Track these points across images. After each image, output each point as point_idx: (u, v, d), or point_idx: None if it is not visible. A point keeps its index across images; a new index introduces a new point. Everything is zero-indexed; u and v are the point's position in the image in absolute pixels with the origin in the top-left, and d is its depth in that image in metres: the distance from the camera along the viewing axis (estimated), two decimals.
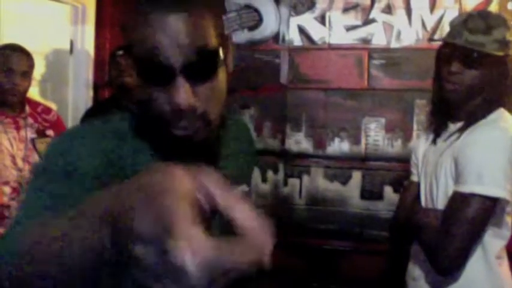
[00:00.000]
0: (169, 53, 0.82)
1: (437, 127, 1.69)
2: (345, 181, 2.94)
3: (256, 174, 3.05)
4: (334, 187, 2.96)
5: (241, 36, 3.11)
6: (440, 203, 1.57)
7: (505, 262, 1.61)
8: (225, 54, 0.90)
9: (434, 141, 1.70)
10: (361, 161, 2.92)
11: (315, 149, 2.99)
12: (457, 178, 1.51)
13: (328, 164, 2.97)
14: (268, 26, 3.08)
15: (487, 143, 1.49)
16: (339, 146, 2.96)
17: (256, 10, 3.09)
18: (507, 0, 2.75)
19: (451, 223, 1.47)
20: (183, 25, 0.82)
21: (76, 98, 3.17)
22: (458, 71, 1.56)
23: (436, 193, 1.61)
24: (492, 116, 1.56)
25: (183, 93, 0.82)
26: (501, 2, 2.75)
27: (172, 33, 0.82)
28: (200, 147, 0.91)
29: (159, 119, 0.88)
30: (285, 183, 3.02)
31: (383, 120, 2.91)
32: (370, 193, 2.89)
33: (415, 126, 2.83)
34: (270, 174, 3.05)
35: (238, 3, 3.10)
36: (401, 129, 2.87)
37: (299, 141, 3.02)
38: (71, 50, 3.17)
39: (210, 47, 0.85)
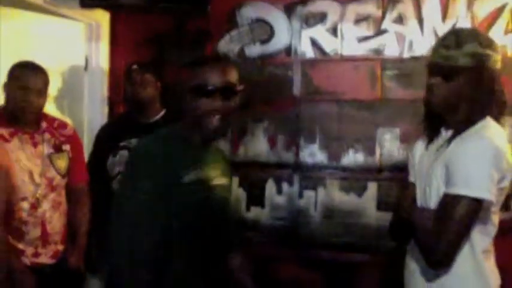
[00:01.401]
0: (214, 80, 1.61)
1: (429, 133, 1.86)
2: (360, 193, 2.93)
3: (271, 186, 3.05)
4: (350, 199, 2.94)
5: (253, 50, 3.13)
6: (433, 204, 1.73)
7: (492, 256, 1.75)
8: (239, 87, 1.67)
9: (427, 147, 1.86)
10: (376, 172, 2.91)
11: (330, 160, 2.99)
12: (448, 182, 1.67)
13: (343, 176, 2.96)
14: (280, 39, 3.10)
15: (473, 150, 1.64)
16: (354, 157, 2.95)
17: (267, 23, 3.12)
18: None
19: (442, 222, 1.63)
20: (223, 69, 1.66)
21: (91, 114, 3.20)
22: (436, 84, 1.73)
23: (429, 195, 1.76)
24: (479, 125, 1.71)
25: (218, 102, 1.61)
26: None
27: (218, 73, 1.64)
28: (220, 134, 1.72)
29: (203, 116, 1.62)
30: (300, 196, 3.01)
31: (397, 130, 2.91)
32: (386, 204, 2.87)
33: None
34: (285, 186, 3.04)
35: (249, 17, 3.13)
36: (415, 139, 2.84)
37: (313, 154, 3.02)
38: (86, 67, 3.21)
39: (233, 82, 1.66)
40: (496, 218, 1.73)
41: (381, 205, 2.89)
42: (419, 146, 1.93)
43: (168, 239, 1.56)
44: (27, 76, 2.28)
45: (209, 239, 1.68)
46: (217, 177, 1.74)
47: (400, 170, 2.85)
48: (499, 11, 2.77)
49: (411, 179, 1.94)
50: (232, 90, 1.63)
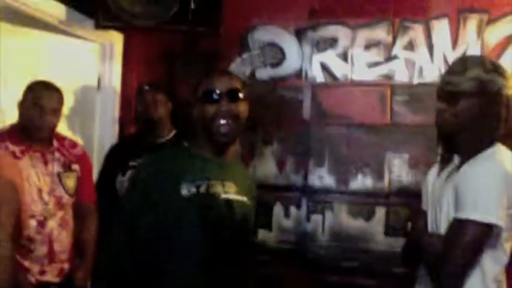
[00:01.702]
0: (219, 85, 1.69)
1: (442, 159, 1.87)
2: (368, 217, 2.92)
3: (278, 209, 3.05)
4: (358, 223, 2.93)
5: (264, 73, 3.16)
6: (443, 229, 1.72)
7: (504, 286, 1.73)
8: (246, 95, 1.73)
9: (439, 173, 1.86)
10: (384, 197, 2.90)
11: (338, 184, 2.99)
12: (456, 206, 1.66)
13: (351, 200, 2.95)
14: (291, 63, 3.12)
15: (483, 174, 1.64)
16: (362, 181, 2.95)
17: (279, 47, 3.15)
18: None
19: (450, 246, 1.63)
20: (223, 75, 1.76)
21: (102, 133, 3.23)
22: (442, 109, 1.75)
23: (439, 220, 1.76)
24: (489, 151, 1.70)
25: (226, 104, 1.66)
26: None
27: (222, 79, 1.72)
28: (229, 142, 1.70)
29: (209, 121, 1.65)
30: (308, 219, 3.01)
31: (406, 156, 2.90)
32: (394, 229, 2.85)
33: (437, 161, 2.79)
34: (292, 209, 3.04)
35: (261, 40, 3.16)
36: (424, 165, 2.84)
37: (322, 177, 3.01)
38: (99, 86, 3.24)
39: (236, 86, 1.71)
40: (508, 246, 1.70)
41: (389, 230, 2.87)
42: (433, 173, 1.93)
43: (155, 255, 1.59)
44: (44, 95, 2.31)
45: (220, 255, 1.65)
46: (231, 193, 1.71)
47: (408, 195, 2.85)
48: (509, 39, 2.79)
49: (424, 207, 1.93)
50: (237, 94, 1.70)
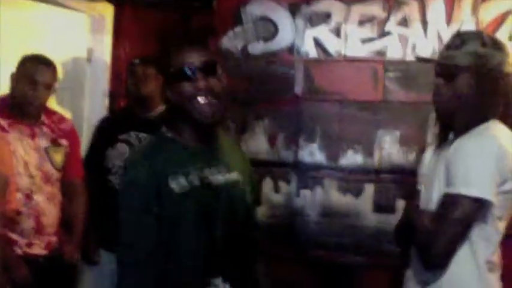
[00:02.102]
0: (193, 60, 1.51)
1: (439, 137, 1.83)
2: (357, 194, 2.93)
3: (268, 184, 3.05)
4: (347, 200, 2.94)
5: (256, 47, 3.12)
6: (435, 206, 1.68)
7: (497, 270, 1.69)
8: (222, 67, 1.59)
9: (435, 152, 1.83)
10: (374, 173, 2.91)
11: (329, 161, 2.98)
12: (447, 181, 1.64)
13: (341, 176, 2.95)
14: (284, 38, 3.09)
15: (476, 149, 1.61)
16: (353, 158, 2.95)
17: (272, 22, 3.11)
18: None
19: (440, 222, 1.60)
20: (194, 48, 1.55)
21: (92, 106, 3.20)
22: (440, 84, 1.71)
23: (431, 197, 1.72)
24: (482, 126, 1.67)
25: (203, 80, 1.49)
26: None
27: (193, 53, 1.53)
28: (214, 118, 1.52)
29: (189, 100, 1.48)
30: (298, 195, 3.01)
31: (397, 133, 2.90)
32: (383, 206, 2.86)
33: (429, 140, 2.80)
34: (282, 185, 3.04)
35: (254, 14, 3.12)
36: (415, 142, 2.84)
37: (313, 153, 3.01)
38: (89, 59, 3.20)
39: (210, 58, 1.55)
40: (501, 224, 1.67)
41: (378, 207, 2.89)
42: (429, 153, 1.91)
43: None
44: (37, 70, 2.29)
45: (223, 243, 1.55)
46: (224, 177, 1.58)
47: (398, 172, 2.86)
48: (504, 16, 2.76)
49: (419, 186, 1.90)
50: (214, 67, 1.53)
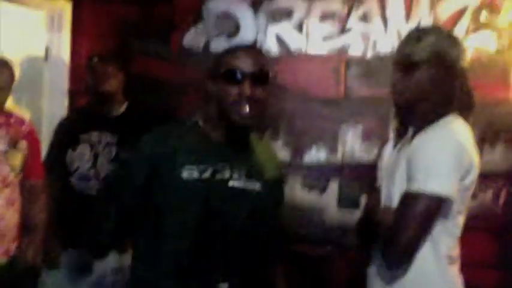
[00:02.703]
0: (245, 65, 1.53)
1: (398, 132, 1.86)
2: (322, 190, 2.95)
3: None
4: (311, 196, 2.96)
5: (219, 44, 3.10)
6: (396, 202, 1.68)
7: (457, 264, 1.72)
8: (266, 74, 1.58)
9: (395, 146, 1.85)
10: (338, 169, 2.93)
11: (293, 157, 3.00)
12: (408, 178, 1.63)
13: (306, 173, 2.97)
14: (246, 34, 3.08)
15: (436, 145, 1.62)
16: (316, 154, 2.97)
17: (233, 18, 3.09)
18: (480, 11, 2.79)
19: (401, 219, 1.60)
20: (250, 54, 1.58)
21: (51, 106, 3.13)
22: (398, 79, 1.71)
23: (392, 193, 1.72)
24: (442, 121, 1.68)
25: (250, 88, 1.51)
26: (474, 12, 2.79)
27: (248, 57, 1.56)
28: (248, 128, 1.59)
29: (230, 104, 1.52)
30: None
31: (360, 128, 2.93)
32: (348, 202, 2.90)
33: (391, 135, 2.84)
34: None
35: (216, 10, 3.10)
36: (378, 137, 2.88)
37: (277, 150, 3.01)
38: (46, 57, 3.12)
39: (263, 68, 1.56)
40: (460, 219, 1.69)
41: (342, 202, 2.92)
42: (388, 148, 1.92)
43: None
44: None
45: (217, 245, 1.55)
46: (241, 180, 1.58)
47: (361, 168, 2.89)
48: (461, 12, 2.81)
49: (379, 182, 1.91)
50: (264, 77, 1.56)
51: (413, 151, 1.65)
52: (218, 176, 1.53)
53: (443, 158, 1.59)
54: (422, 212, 1.57)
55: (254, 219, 1.60)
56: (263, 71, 1.56)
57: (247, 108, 1.52)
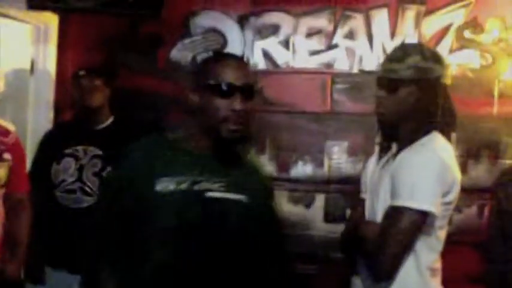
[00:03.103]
0: (235, 78, 1.46)
1: (381, 148, 1.89)
2: (308, 204, 2.95)
3: None
4: (298, 210, 2.96)
5: None
6: (380, 217, 1.72)
7: (439, 275, 1.76)
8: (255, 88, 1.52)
9: (378, 162, 1.87)
10: (324, 184, 2.94)
11: (279, 172, 3.00)
12: (392, 194, 1.67)
13: (292, 187, 2.98)
14: (233, 50, 3.08)
15: (418, 163, 1.64)
16: (303, 169, 2.98)
17: (221, 33, 3.11)
18: (464, 29, 2.84)
19: (385, 233, 1.63)
20: (240, 67, 1.52)
21: (36, 119, 3.09)
22: (382, 97, 1.74)
23: (376, 208, 1.76)
24: (425, 139, 1.72)
25: (240, 102, 1.45)
26: (458, 30, 2.84)
27: (237, 70, 1.49)
28: (236, 142, 1.50)
29: (218, 119, 1.45)
30: None
31: (346, 143, 2.95)
32: (334, 216, 2.91)
33: (376, 150, 2.86)
34: None
35: (203, 26, 3.11)
36: (363, 152, 2.90)
37: (263, 164, 3.02)
38: (32, 70, 3.10)
39: (252, 82, 1.50)
40: (442, 233, 1.73)
41: (328, 217, 2.92)
42: (372, 162, 1.95)
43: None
44: None
45: (198, 260, 1.45)
46: (222, 191, 1.48)
47: (347, 182, 2.90)
48: (445, 30, 2.87)
49: (362, 195, 1.94)
50: (252, 90, 1.49)
51: (398, 168, 1.69)
52: (196, 188, 1.45)
53: (427, 174, 1.62)
54: (406, 226, 1.61)
55: (241, 232, 1.51)
56: (251, 84, 1.50)
57: (237, 124, 1.45)
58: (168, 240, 1.44)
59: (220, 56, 1.66)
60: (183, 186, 1.44)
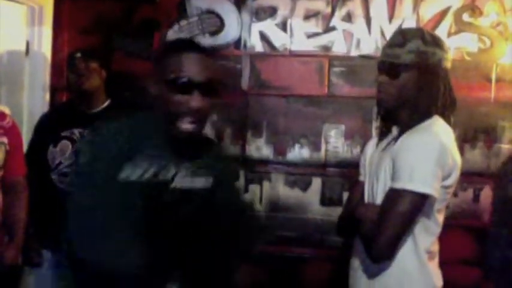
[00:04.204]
0: (195, 74, 1.38)
1: (380, 132, 1.90)
2: (305, 188, 2.96)
3: None
4: (295, 194, 2.97)
5: (202, 41, 3.08)
6: (379, 199, 1.74)
7: (436, 257, 1.78)
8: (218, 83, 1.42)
9: (377, 145, 1.89)
10: (321, 167, 2.95)
11: (276, 155, 3.00)
12: (393, 177, 1.69)
13: (289, 171, 2.98)
14: (230, 32, 3.07)
15: (419, 146, 1.66)
16: (299, 152, 2.98)
17: (217, 15, 3.08)
18: (462, 12, 2.82)
19: (385, 215, 1.65)
20: (202, 61, 1.41)
21: (32, 101, 3.07)
22: (383, 82, 1.76)
23: (376, 190, 1.78)
24: (426, 123, 1.73)
25: (199, 100, 1.38)
26: (456, 13, 2.83)
27: (198, 65, 1.39)
28: (193, 139, 1.42)
29: (176, 115, 1.37)
30: (246, 190, 3.01)
31: (343, 127, 2.95)
32: (330, 199, 2.92)
33: (373, 133, 2.87)
34: None
35: (199, 7, 3.08)
36: (360, 136, 2.91)
37: (260, 148, 3.02)
38: (27, 52, 3.07)
39: (214, 77, 1.40)
40: (440, 217, 1.75)
41: (325, 200, 2.93)
42: (371, 145, 1.97)
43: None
44: None
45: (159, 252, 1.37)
46: (187, 178, 1.45)
47: (344, 166, 2.91)
48: (444, 13, 2.85)
49: (361, 178, 1.97)
50: (214, 88, 1.40)
51: (399, 151, 1.70)
52: (161, 176, 1.40)
53: (427, 157, 1.64)
54: (406, 209, 1.62)
55: (205, 215, 1.47)
56: (215, 82, 1.40)
57: (192, 124, 1.39)
58: (133, 223, 1.34)
59: (179, 47, 1.45)
60: (148, 174, 1.38)
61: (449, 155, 1.67)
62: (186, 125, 1.39)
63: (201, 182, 1.49)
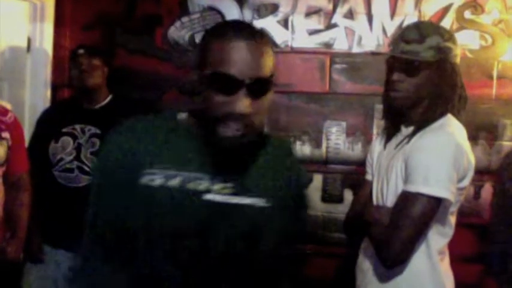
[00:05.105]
0: (241, 70, 1.08)
1: (388, 131, 1.82)
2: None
3: None
4: None
5: None
6: (390, 202, 1.68)
7: (446, 258, 1.74)
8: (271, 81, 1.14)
9: (385, 145, 1.82)
10: (322, 164, 2.95)
11: None
12: (406, 179, 1.61)
13: None
14: None
15: (434, 147, 1.59)
16: (301, 149, 2.98)
17: (219, 12, 3.08)
18: (464, 9, 2.82)
19: (398, 219, 1.58)
20: (254, 51, 1.09)
21: (33, 98, 3.07)
22: (400, 80, 1.67)
23: (386, 192, 1.71)
24: (440, 122, 1.67)
25: (245, 103, 1.08)
26: (458, 10, 2.82)
27: (246, 57, 1.09)
28: (239, 149, 1.13)
29: (216, 119, 1.10)
30: None
31: (344, 124, 2.95)
32: (331, 196, 2.92)
33: (375, 130, 2.87)
34: None
35: (201, 4, 3.08)
36: (361, 133, 2.91)
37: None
38: (28, 48, 3.08)
39: (268, 72, 1.12)
40: (453, 218, 1.70)
41: (326, 197, 2.93)
42: (378, 144, 1.90)
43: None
44: None
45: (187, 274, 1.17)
46: (225, 193, 1.17)
47: (345, 163, 2.91)
48: (445, 10, 2.85)
49: (368, 177, 1.91)
50: (265, 87, 1.11)
51: (413, 152, 1.63)
52: (190, 186, 1.14)
53: (443, 159, 1.57)
54: (421, 213, 1.56)
55: (250, 243, 1.19)
56: (267, 80, 1.11)
57: (237, 129, 1.10)
58: (153, 246, 1.15)
59: (225, 32, 1.12)
60: (174, 182, 1.14)
61: (465, 156, 1.61)
62: (228, 132, 1.10)
63: (242, 201, 1.19)
